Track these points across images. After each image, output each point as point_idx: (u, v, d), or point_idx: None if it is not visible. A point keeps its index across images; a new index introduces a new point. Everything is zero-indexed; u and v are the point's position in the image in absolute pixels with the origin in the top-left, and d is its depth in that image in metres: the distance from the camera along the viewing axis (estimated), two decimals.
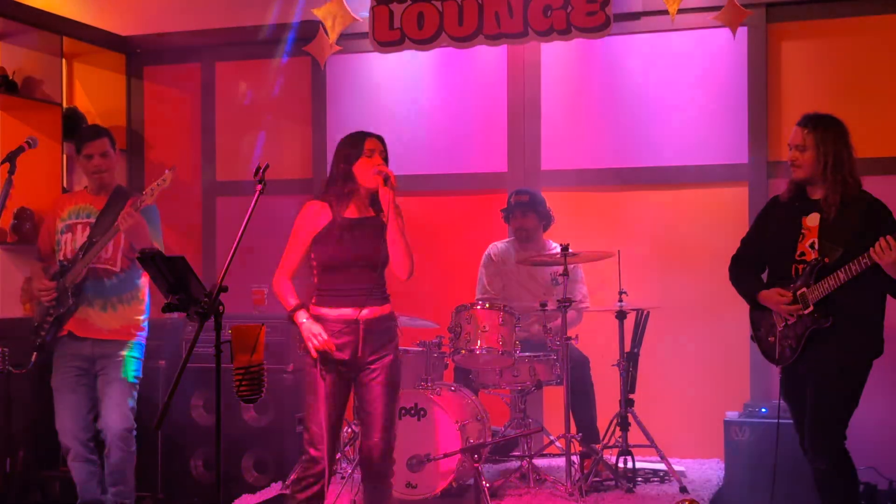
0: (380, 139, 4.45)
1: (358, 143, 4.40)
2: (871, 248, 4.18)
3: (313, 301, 4.40)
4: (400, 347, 4.50)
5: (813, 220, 4.48)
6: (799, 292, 4.41)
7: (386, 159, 4.42)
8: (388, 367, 4.36)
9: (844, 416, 4.44)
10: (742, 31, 6.25)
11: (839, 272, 4.28)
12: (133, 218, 4.90)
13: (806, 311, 4.39)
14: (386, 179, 4.31)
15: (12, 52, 6.79)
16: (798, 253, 4.49)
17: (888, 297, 4.45)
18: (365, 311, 4.31)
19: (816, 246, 4.44)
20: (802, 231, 4.50)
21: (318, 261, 4.39)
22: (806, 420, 4.48)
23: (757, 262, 4.71)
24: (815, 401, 4.41)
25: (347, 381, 4.40)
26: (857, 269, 4.24)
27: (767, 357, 4.64)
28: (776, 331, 4.54)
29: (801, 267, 4.46)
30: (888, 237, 4.14)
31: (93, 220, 5.18)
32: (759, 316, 4.66)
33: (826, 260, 4.36)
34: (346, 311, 4.32)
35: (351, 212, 4.40)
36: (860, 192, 4.46)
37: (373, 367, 4.36)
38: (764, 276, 4.72)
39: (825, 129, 4.48)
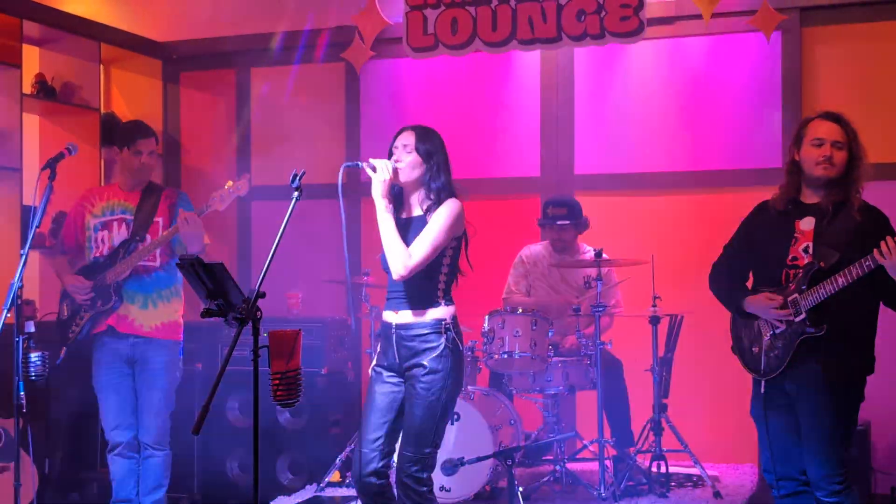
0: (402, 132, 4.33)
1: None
2: (875, 249, 3.88)
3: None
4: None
5: (807, 223, 4.18)
6: (790, 298, 4.09)
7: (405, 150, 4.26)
8: (417, 379, 4.02)
9: (846, 440, 4.11)
10: (776, 35, 6.24)
11: (837, 276, 3.98)
12: (197, 225, 4.88)
13: (798, 318, 4.07)
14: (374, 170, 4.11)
15: (51, 58, 6.89)
16: (790, 258, 4.18)
17: (880, 310, 4.15)
18: (397, 316, 4.10)
19: (811, 250, 4.13)
20: (795, 235, 4.18)
21: None
22: (805, 447, 4.11)
23: (741, 269, 4.38)
24: (812, 432, 4.08)
25: (394, 387, 4.12)
26: (858, 273, 3.93)
27: (750, 369, 4.29)
28: (762, 340, 4.21)
29: (792, 272, 4.15)
30: (893, 238, 3.85)
31: (129, 216, 5.13)
32: (742, 325, 4.34)
33: (822, 264, 4.06)
34: (387, 314, 4.15)
35: (400, 212, 4.20)
36: (857, 196, 4.16)
37: (406, 375, 4.08)
38: (748, 285, 4.38)
39: (853, 129, 4.18)
